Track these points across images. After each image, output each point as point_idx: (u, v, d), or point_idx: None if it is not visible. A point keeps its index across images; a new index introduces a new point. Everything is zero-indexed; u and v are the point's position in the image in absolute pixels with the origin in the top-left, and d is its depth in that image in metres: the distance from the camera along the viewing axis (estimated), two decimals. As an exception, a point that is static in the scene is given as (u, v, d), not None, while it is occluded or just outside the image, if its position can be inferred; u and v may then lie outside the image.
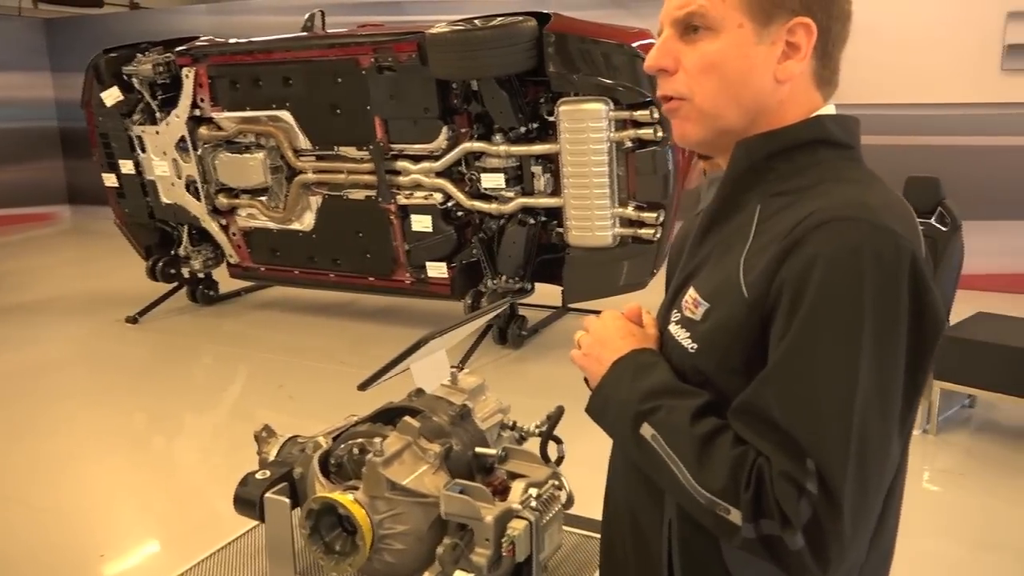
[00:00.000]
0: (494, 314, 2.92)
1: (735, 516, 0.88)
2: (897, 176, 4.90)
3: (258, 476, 1.43)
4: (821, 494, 0.84)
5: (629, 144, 4.54)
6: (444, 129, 4.93)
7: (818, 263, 0.87)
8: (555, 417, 1.51)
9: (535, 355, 5.24)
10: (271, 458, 1.52)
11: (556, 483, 1.33)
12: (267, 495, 1.39)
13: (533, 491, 1.26)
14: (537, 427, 1.52)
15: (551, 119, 4.67)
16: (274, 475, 1.42)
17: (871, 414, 0.86)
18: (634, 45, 4.47)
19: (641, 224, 4.65)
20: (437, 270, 5.23)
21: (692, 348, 0.97)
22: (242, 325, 6.17)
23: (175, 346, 5.77)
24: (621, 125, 4.51)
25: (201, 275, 6.42)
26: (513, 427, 1.53)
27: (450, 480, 1.27)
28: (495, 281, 5.05)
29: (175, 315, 6.28)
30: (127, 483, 3.79)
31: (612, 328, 1.08)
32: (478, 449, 1.38)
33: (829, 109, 1.01)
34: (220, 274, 6.44)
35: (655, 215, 4.60)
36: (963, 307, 4.25)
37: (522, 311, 5.39)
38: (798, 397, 0.87)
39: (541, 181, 4.86)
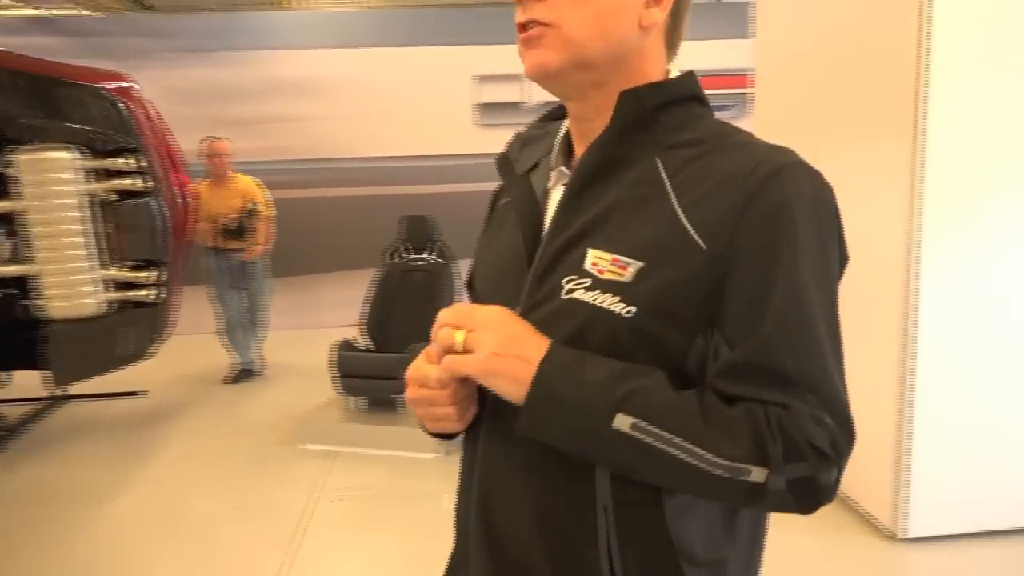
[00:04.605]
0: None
1: (758, 474, 0.87)
2: (393, 219, 5.20)
3: None
4: (836, 423, 0.89)
5: (114, 197, 4.03)
6: None
7: (787, 208, 0.89)
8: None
9: (23, 460, 4.30)
10: None
11: None
12: None
13: None
14: None
15: (8, 172, 3.94)
16: None
17: (840, 342, 0.94)
18: (110, 87, 4.01)
19: (137, 286, 4.14)
20: None
21: (628, 312, 0.90)
22: None
23: None
24: (97, 176, 3.98)
25: None
26: None
27: None
28: (-50, 375, 4.06)
29: None
30: None
31: (511, 320, 0.94)
32: None
33: (676, 72, 1.01)
34: None
35: (152, 274, 4.13)
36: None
37: (-2, 408, 4.42)
38: (802, 343, 0.89)
39: (5, 247, 4.05)
